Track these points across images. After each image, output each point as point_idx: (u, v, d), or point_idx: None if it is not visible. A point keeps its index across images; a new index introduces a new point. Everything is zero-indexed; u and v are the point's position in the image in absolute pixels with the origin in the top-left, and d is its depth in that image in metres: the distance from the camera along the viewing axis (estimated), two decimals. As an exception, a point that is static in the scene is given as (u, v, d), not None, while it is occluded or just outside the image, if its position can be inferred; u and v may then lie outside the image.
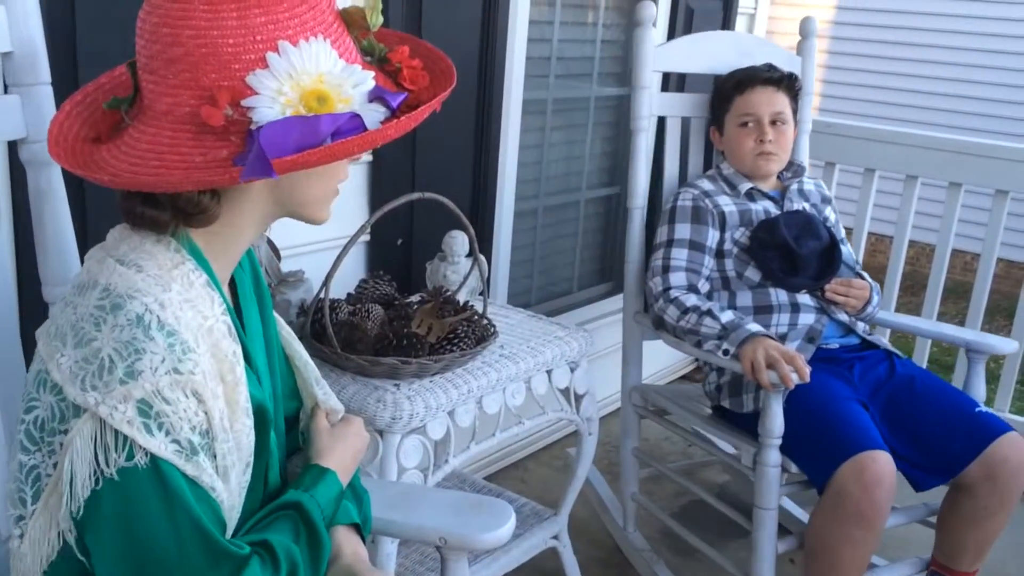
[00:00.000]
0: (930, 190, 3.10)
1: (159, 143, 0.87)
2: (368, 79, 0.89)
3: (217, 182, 0.85)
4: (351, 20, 0.95)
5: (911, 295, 5.10)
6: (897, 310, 2.89)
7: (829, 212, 2.23)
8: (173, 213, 0.90)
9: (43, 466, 0.86)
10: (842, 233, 2.26)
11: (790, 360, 1.79)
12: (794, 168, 2.25)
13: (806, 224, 2.10)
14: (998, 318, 4.96)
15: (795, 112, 2.21)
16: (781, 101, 2.15)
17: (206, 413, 0.87)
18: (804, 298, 2.05)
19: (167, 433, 0.83)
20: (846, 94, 6.63)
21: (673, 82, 2.83)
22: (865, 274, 2.19)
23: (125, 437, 0.82)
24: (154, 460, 0.83)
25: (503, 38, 2.28)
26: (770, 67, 2.19)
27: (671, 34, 2.90)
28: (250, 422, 0.94)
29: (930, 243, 3.34)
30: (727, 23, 3.11)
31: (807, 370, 1.79)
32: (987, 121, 5.91)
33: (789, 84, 2.18)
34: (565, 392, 1.93)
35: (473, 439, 1.73)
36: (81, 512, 0.83)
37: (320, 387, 1.16)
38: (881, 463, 1.72)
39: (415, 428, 1.59)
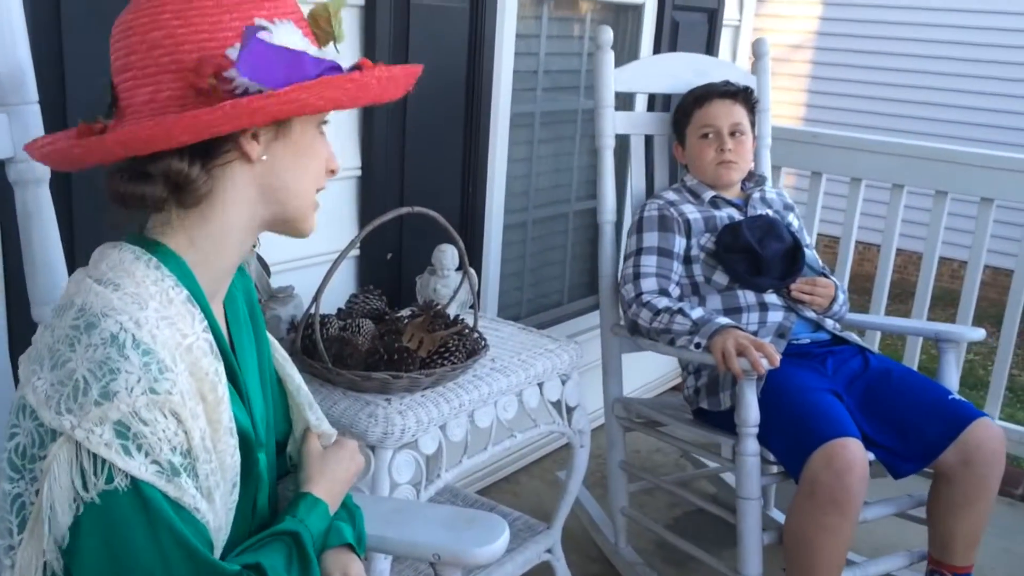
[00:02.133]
0: (917, 198, 3.12)
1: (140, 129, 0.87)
2: (333, 55, 0.92)
3: (207, 117, 0.84)
4: (315, 24, 0.97)
5: (899, 303, 5.12)
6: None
7: (792, 218, 2.31)
8: (165, 187, 0.89)
9: (27, 494, 0.84)
10: (807, 238, 2.35)
11: (759, 347, 1.84)
12: (756, 178, 2.35)
13: (768, 227, 2.17)
14: (986, 324, 4.97)
15: (753, 125, 2.30)
16: (739, 113, 2.25)
17: (186, 433, 0.85)
18: (771, 297, 2.12)
19: (146, 454, 0.82)
20: (831, 104, 6.69)
21: (659, 102, 2.85)
22: (830, 274, 2.26)
23: (103, 460, 0.80)
24: (135, 482, 0.81)
25: (490, 52, 2.29)
26: (727, 82, 2.30)
27: (657, 48, 2.91)
28: (234, 441, 0.93)
29: (917, 251, 3.36)
30: (712, 36, 3.13)
31: (777, 356, 1.83)
32: (971, 129, 5.97)
33: (746, 97, 2.29)
34: (556, 405, 1.93)
35: (465, 453, 1.73)
36: (67, 540, 0.82)
37: (313, 412, 1.15)
38: (851, 449, 1.75)
39: (407, 443, 1.59)
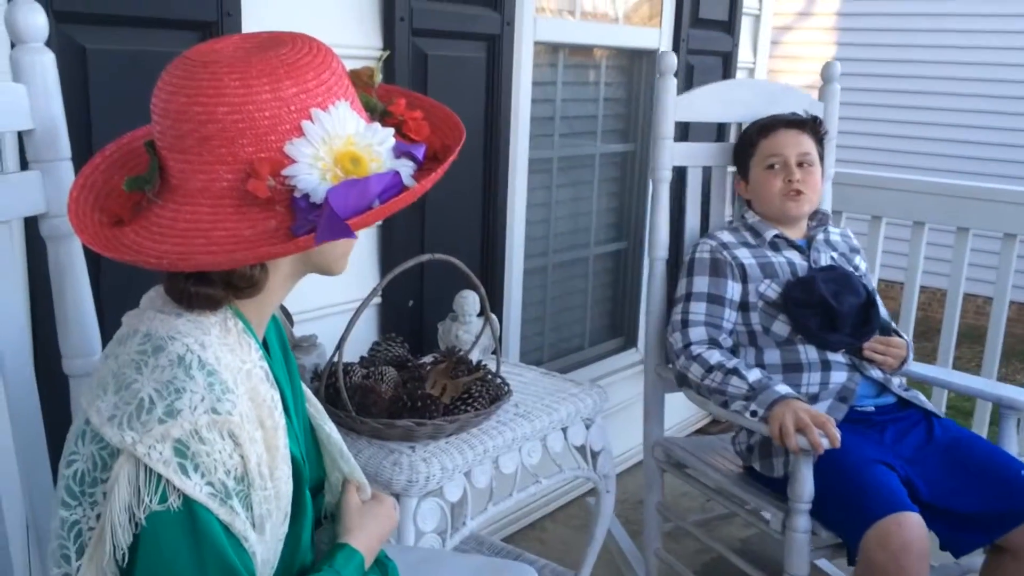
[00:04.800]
0: (939, 235, 3.10)
1: (199, 220, 0.87)
2: (389, 136, 0.92)
3: (280, 253, 0.86)
4: (358, 79, 0.98)
5: (924, 340, 5.07)
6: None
7: (859, 262, 2.18)
8: (224, 288, 0.90)
9: (84, 520, 0.85)
10: (873, 286, 2.20)
11: (820, 424, 1.74)
12: (819, 216, 2.21)
13: (844, 280, 2.04)
14: (1014, 362, 4.92)
15: (822, 157, 2.18)
16: (807, 143, 2.14)
17: (242, 457, 0.86)
18: (835, 355, 1.99)
19: (203, 475, 0.83)
20: (849, 143, 6.69)
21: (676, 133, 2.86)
22: (899, 330, 2.14)
23: (159, 478, 0.81)
24: (188, 502, 0.82)
25: (507, 99, 2.32)
26: (794, 113, 2.19)
27: (673, 91, 2.93)
28: (289, 470, 0.94)
29: (941, 288, 3.32)
30: (727, 78, 3.15)
31: (838, 435, 1.73)
32: (991, 165, 5.95)
33: (814, 127, 2.17)
34: (581, 449, 1.91)
35: (490, 500, 1.72)
36: (126, 559, 0.82)
37: (344, 460, 1.15)
38: (907, 527, 1.65)
39: (432, 491, 1.58)
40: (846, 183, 2.99)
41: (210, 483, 0.83)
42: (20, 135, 1.24)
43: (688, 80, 2.97)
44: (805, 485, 1.77)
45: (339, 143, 0.88)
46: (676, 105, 2.21)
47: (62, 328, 1.26)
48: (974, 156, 6.09)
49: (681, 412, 3.26)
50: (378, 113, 0.99)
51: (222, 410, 0.84)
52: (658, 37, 2.85)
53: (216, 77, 0.85)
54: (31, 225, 1.33)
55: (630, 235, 3.03)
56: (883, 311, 2.13)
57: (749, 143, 2.19)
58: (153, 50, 1.58)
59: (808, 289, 2.00)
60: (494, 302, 2.36)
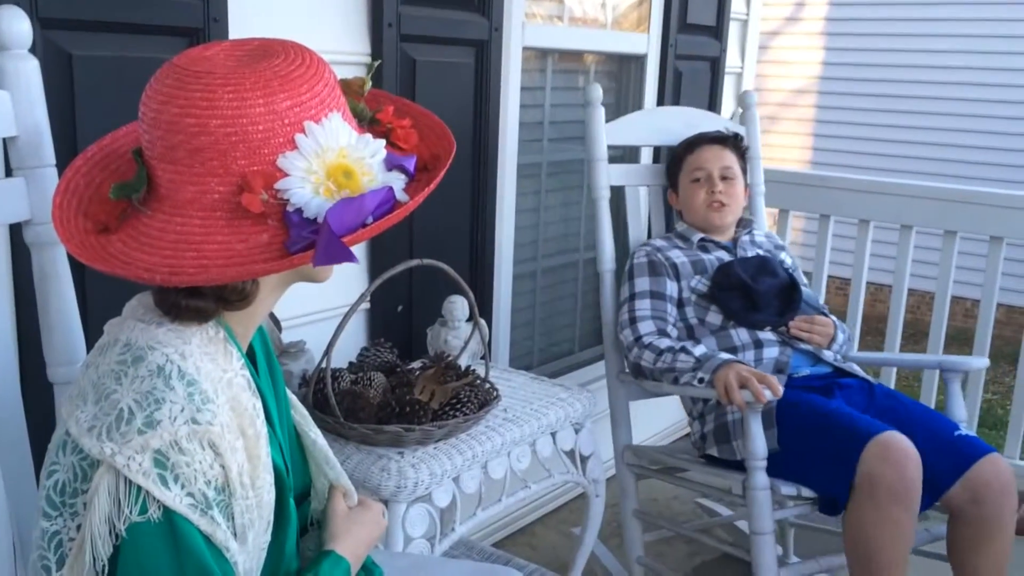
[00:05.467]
0: (927, 238, 3.12)
1: (190, 232, 0.86)
2: (380, 148, 0.91)
3: (276, 270, 0.85)
4: (348, 89, 0.98)
5: (913, 343, 5.09)
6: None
7: (784, 256, 2.34)
8: (216, 301, 0.90)
9: (65, 531, 0.85)
10: (803, 277, 2.37)
11: (761, 379, 1.84)
12: (744, 222, 2.38)
13: (761, 264, 2.20)
14: (1002, 364, 4.94)
15: (745, 171, 2.36)
16: (728, 158, 2.31)
17: (223, 467, 0.86)
18: (766, 334, 2.12)
19: (182, 486, 0.83)
20: (837, 147, 6.72)
21: (663, 154, 2.87)
22: (828, 313, 2.27)
23: (139, 489, 0.81)
24: (168, 513, 0.82)
25: (496, 105, 2.32)
26: (717, 131, 2.37)
27: (660, 97, 2.94)
28: (271, 478, 0.93)
29: (929, 291, 3.34)
30: (715, 84, 3.16)
31: (779, 386, 1.83)
32: (978, 169, 5.98)
33: (735, 143, 2.35)
34: (570, 454, 1.92)
35: (479, 505, 1.72)
36: (106, 570, 0.82)
37: (330, 466, 1.14)
38: (901, 440, 1.75)
39: (420, 496, 1.57)
40: (834, 187, 3.01)
41: (190, 494, 0.83)
42: (4, 141, 1.23)
43: (676, 86, 2.98)
44: (757, 440, 1.84)
45: (331, 155, 0.87)
46: (607, 131, 2.36)
47: (46, 335, 1.26)
48: (961, 160, 6.12)
49: (659, 422, 3.26)
50: (366, 120, 0.98)
51: (202, 420, 0.84)
52: (646, 42, 2.86)
53: (209, 89, 0.84)
54: (15, 232, 1.33)
55: (618, 240, 3.03)
56: (812, 297, 2.28)
57: (678, 158, 2.37)
58: (139, 56, 1.57)
59: (727, 274, 2.16)
60: (483, 307, 2.36)
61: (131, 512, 0.81)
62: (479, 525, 1.78)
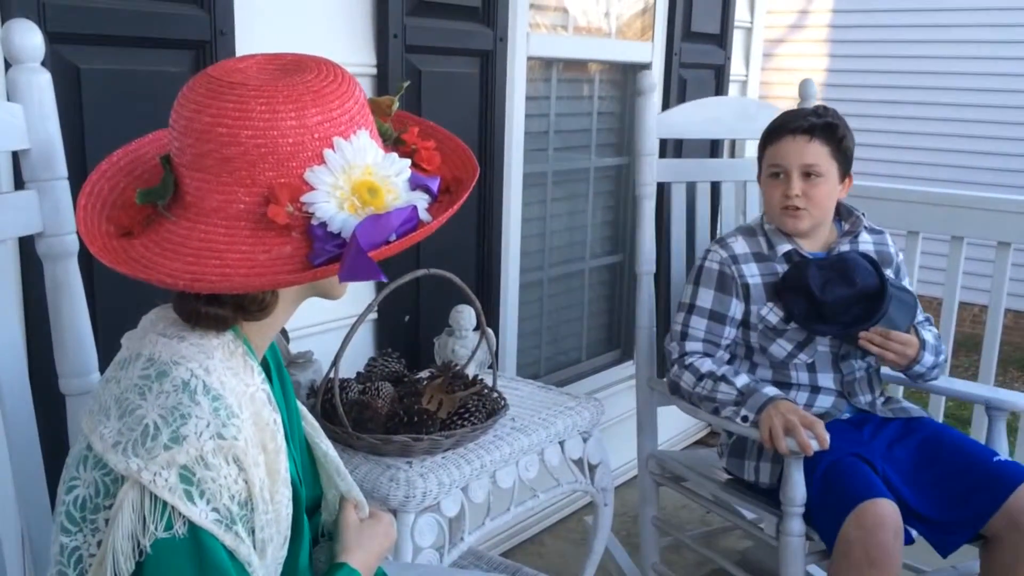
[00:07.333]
0: (933, 244, 3.11)
1: (214, 240, 0.87)
2: (405, 167, 0.92)
3: (298, 281, 0.86)
4: (377, 108, 0.99)
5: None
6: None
7: (889, 273, 2.03)
8: (235, 310, 0.91)
9: (85, 546, 0.84)
10: (906, 286, 2.05)
11: (809, 425, 1.75)
12: (852, 220, 2.06)
13: (842, 269, 1.92)
14: (1011, 370, 4.92)
15: (841, 165, 1.99)
16: (814, 152, 1.95)
17: (246, 482, 0.86)
18: (826, 380, 1.98)
19: (208, 501, 0.83)
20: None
21: (670, 149, 2.87)
22: (928, 329, 2.02)
23: (164, 505, 0.81)
24: (193, 530, 0.82)
25: (501, 115, 2.33)
26: (809, 113, 2.00)
27: (665, 106, 2.95)
28: (289, 493, 0.94)
29: (937, 297, 3.33)
30: (719, 92, 3.16)
31: (826, 436, 1.75)
32: (984, 175, 5.97)
33: (828, 133, 1.96)
34: (579, 463, 1.91)
35: (488, 515, 1.71)
36: None
37: (341, 478, 1.15)
38: (882, 507, 1.68)
39: (429, 506, 1.57)
40: (918, 201, 2.99)
41: (215, 509, 0.83)
42: (16, 154, 1.24)
43: (681, 94, 2.98)
44: (797, 488, 1.78)
45: (358, 172, 0.88)
46: (657, 123, 2.25)
47: (58, 347, 1.27)
48: (967, 165, 6.11)
49: (678, 424, 3.25)
50: (391, 140, 0.99)
51: (227, 435, 0.84)
52: (651, 51, 2.86)
53: (243, 100, 0.85)
54: (27, 243, 1.33)
55: (625, 248, 3.04)
56: (910, 309, 1.98)
57: (761, 147, 2.06)
58: (147, 70, 1.59)
59: (798, 275, 1.94)
60: (490, 316, 2.36)
61: (156, 528, 0.81)
62: (488, 535, 1.78)
